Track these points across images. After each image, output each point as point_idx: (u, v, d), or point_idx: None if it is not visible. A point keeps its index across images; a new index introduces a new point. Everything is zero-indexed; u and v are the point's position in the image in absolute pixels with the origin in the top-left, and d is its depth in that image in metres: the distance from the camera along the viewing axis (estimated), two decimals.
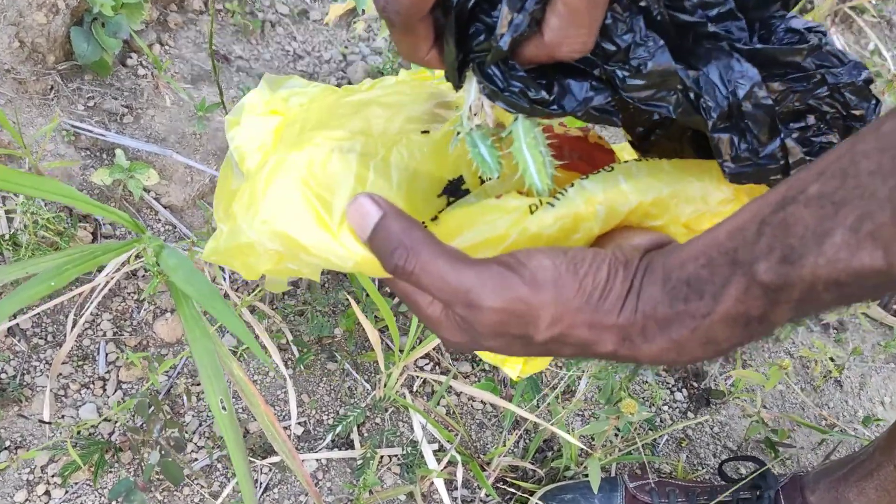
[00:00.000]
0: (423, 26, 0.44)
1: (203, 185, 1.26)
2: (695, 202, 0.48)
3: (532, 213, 0.47)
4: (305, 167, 0.49)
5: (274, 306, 1.21)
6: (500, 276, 0.43)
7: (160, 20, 1.38)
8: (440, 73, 0.63)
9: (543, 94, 0.43)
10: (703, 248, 0.40)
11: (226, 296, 1.20)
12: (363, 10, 1.14)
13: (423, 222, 0.51)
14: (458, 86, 0.46)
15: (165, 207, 1.24)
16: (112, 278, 1.13)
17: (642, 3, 0.43)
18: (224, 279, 1.21)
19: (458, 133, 0.48)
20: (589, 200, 0.47)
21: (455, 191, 0.54)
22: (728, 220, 0.40)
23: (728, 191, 0.49)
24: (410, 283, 0.45)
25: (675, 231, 0.49)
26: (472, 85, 0.46)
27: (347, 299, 1.22)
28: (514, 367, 0.57)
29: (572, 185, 0.48)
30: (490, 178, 0.50)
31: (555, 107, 0.43)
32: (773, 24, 0.46)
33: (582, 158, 0.57)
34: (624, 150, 0.59)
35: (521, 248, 0.45)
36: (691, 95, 0.44)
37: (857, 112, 0.47)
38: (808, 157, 0.47)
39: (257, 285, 1.22)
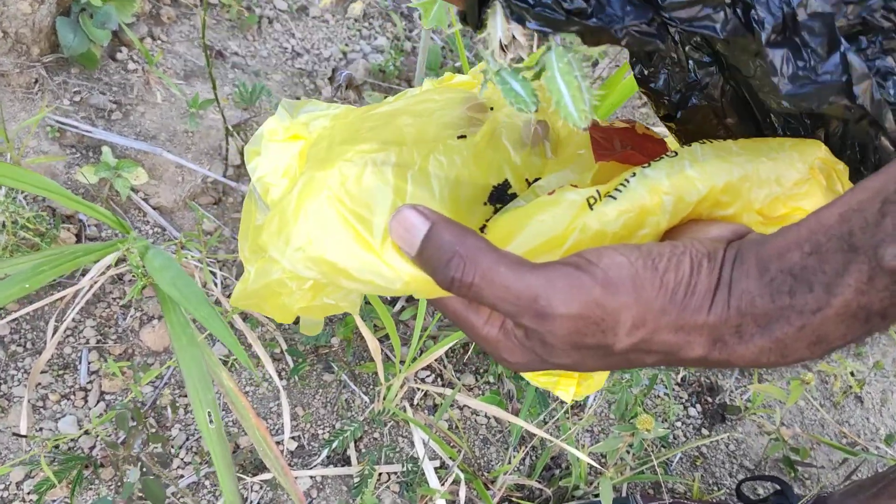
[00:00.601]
0: None
1: (195, 186, 1.20)
2: (768, 184, 0.44)
3: (591, 207, 0.43)
4: (338, 184, 0.46)
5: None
6: (570, 278, 0.38)
7: (152, 13, 1.33)
8: (466, 79, 0.58)
9: (580, 3, 0.38)
10: (807, 234, 0.36)
11: (217, 302, 1.13)
12: None
13: None
14: (477, 24, 0.42)
15: (154, 208, 1.18)
16: (96, 282, 1.07)
17: None
18: (215, 284, 1.14)
19: (486, 78, 0.44)
20: (653, 190, 0.43)
21: (502, 196, 0.50)
22: (838, 200, 0.35)
23: (803, 169, 0.45)
24: (470, 296, 0.40)
25: (748, 220, 0.44)
26: (497, 16, 0.41)
27: None
28: (568, 389, 0.52)
29: (633, 174, 0.44)
30: (529, 112, 0.44)
31: (594, 20, 0.39)
32: None
33: (635, 149, 0.52)
34: (674, 143, 0.54)
35: (589, 248, 0.40)
36: (739, 11, 0.40)
37: None
38: (873, 77, 0.42)
39: None
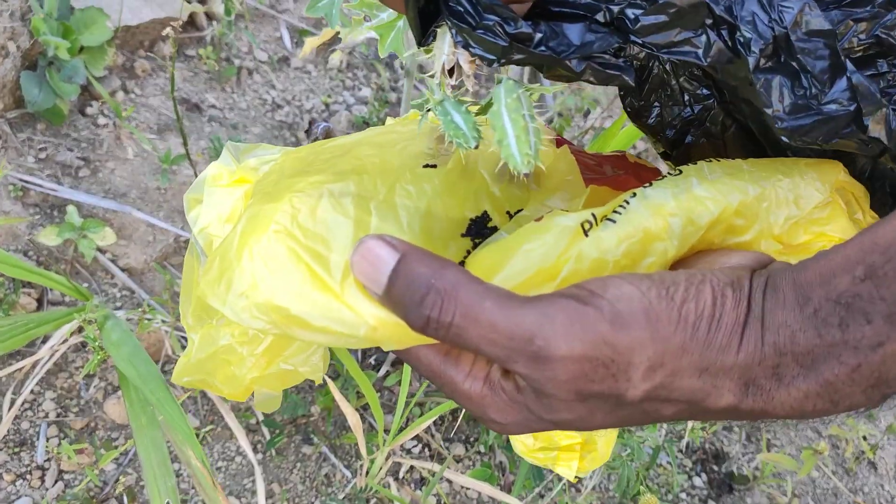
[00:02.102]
0: None
1: (166, 246, 1.14)
2: (787, 205, 0.38)
3: (587, 233, 0.36)
4: (289, 218, 0.39)
5: None
6: (571, 312, 0.32)
7: (126, 66, 1.28)
8: (432, 115, 0.53)
9: (525, 28, 0.33)
10: (858, 255, 0.30)
11: None
12: (336, 27, 1.03)
13: None
14: (421, 40, 0.37)
15: (123, 270, 1.11)
16: (57, 350, 1.00)
17: None
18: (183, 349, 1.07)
19: (426, 108, 0.39)
20: (658, 212, 0.36)
21: (481, 230, 0.44)
22: (893, 215, 0.30)
23: (824, 190, 0.39)
24: (449, 339, 0.33)
25: (767, 248, 0.38)
26: (444, 38, 0.36)
27: (328, 370, 1.09)
28: (570, 465, 0.44)
29: (633, 194, 0.37)
30: (469, 149, 0.40)
31: (542, 48, 0.34)
32: None
33: (629, 174, 0.47)
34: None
35: (588, 279, 0.34)
36: (724, 32, 0.35)
37: None
38: (889, 106, 0.36)
39: None
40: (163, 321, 1.04)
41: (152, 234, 1.14)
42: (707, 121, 0.45)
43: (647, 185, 0.39)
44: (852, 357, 0.30)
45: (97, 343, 0.75)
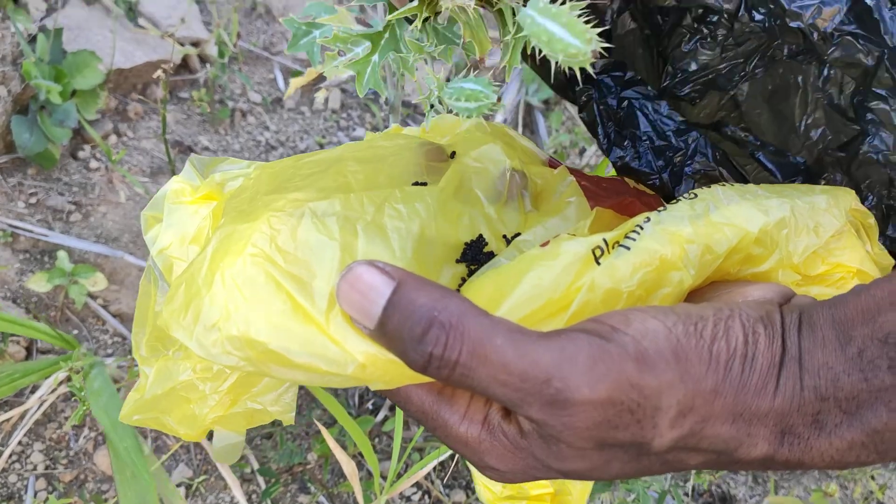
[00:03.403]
0: None
1: None
2: (807, 233, 0.36)
3: (598, 261, 0.33)
4: (266, 240, 0.35)
5: None
6: (593, 350, 0.29)
7: (119, 109, 1.27)
8: (418, 130, 0.51)
9: None
10: None
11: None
12: (318, 64, 1.02)
13: None
14: None
15: (114, 316, 1.09)
16: (45, 401, 0.97)
17: None
18: None
19: (431, 103, 0.36)
20: (674, 239, 0.34)
21: (476, 255, 0.40)
22: None
23: (840, 216, 0.37)
24: (453, 380, 0.29)
25: (786, 279, 0.36)
26: None
27: (322, 418, 1.06)
28: None
29: (647, 218, 0.35)
30: (492, 104, 0.37)
31: None
32: None
33: (635, 196, 0.44)
34: None
35: (607, 312, 0.31)
36: None
37: None
38: None
39: None
40: None
41: None
42: (697, 152, 0.45)
43: (662, 208, 0.36)
44: None
45: (83, 393, 0.73)
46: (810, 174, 0.44)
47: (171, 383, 0.40)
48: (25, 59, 1.05)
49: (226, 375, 0.42)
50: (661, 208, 0.36)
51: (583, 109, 0.49)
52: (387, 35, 0.39)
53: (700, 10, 0.42)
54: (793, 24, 0.39)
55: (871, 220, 0.40)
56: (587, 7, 0.35)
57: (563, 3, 0.32)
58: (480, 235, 0.41)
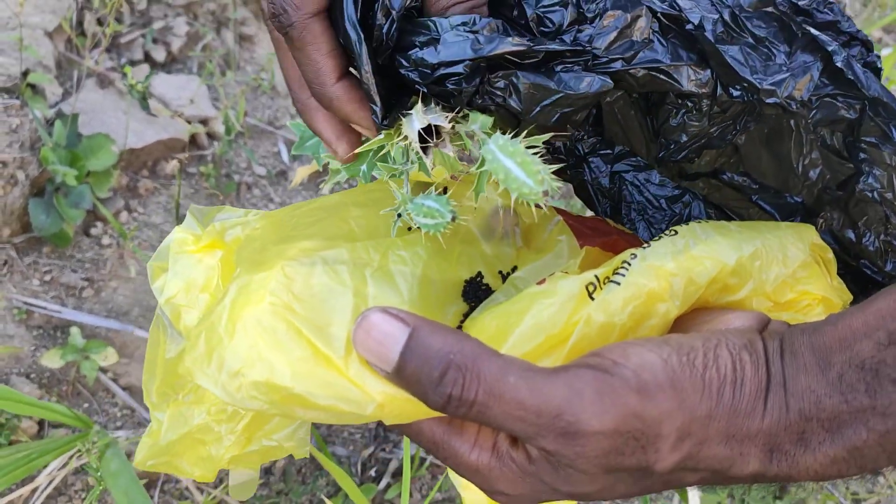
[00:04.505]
0: (321, 28, 0.35)
1: None
2: (777, 264, 0.40)
3: (592, 296, 0.37)
4: (283, 288, 0.38)
5: (243, 500, 1.07)
6: (598, 385, 0.32)
7: (129, 186, 1.32)
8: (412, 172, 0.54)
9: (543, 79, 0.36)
10: (876, 321, 0.31)
11: (187, 489, 1.06)
12: (321, 166, 1.07)
13: None
14: (382, 125, 0.38)
15: (124, 389, 1.12)
16: (56, 476, 1.00)
17: None
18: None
19: (399, 212, 0.39)
20: (659, 273, 0.37)
21: (476, 292, 0.44)
22: None
23: (804, 249, 0.41)
24: (471, 417, 0.32)
25: (759, 305, 0.40)
26: (412, 118, 0.37)
27: (327, 486, 1.08)
28: None
29: (633, 255, 0.38)
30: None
31: (558, 93, 0.36)
32: None
33: (618, 235, 0.48)
34: None
35: (605, 346, 0.34)
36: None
37: None
38: None
39: (224, 477, 1.08)
40: None
41: None
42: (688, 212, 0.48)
43: (646, 245, 0.40)
44: (881, 423, 0.30)
45: (98, 474, 0.76)
46: (808, 213, 0.46)
47: (185, 427, 0.42)
48: (43, 144, 1.11)
49: (241, 416, 0.44)
50: (646, 245, 0.40)
51: (577, 189, 0.52)
52: (372, 151, 0.43)
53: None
54: (770, 101, 0.41)
55: (830, 255, 0.44)
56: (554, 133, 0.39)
57: (527, 135, 0.36)
58: (479, 272, 0.44)
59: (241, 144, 1.47)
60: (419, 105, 0.38)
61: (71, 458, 0.99)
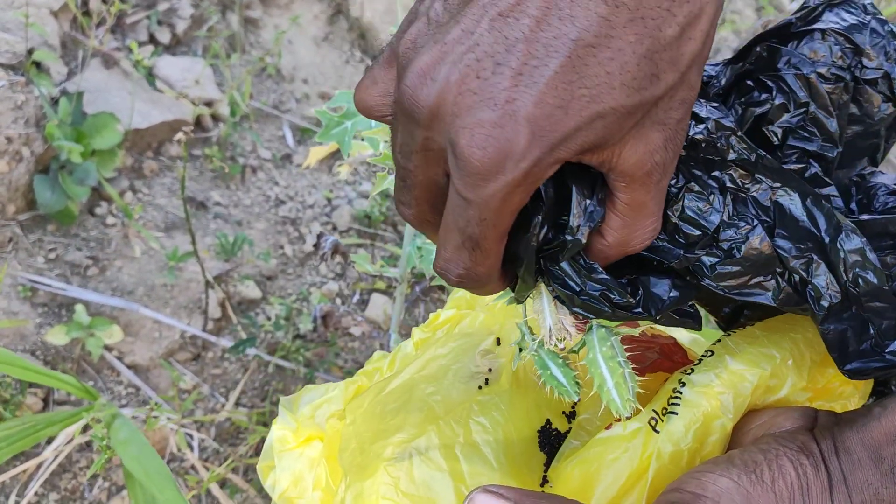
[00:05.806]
0: (499, 247, 0.35)
1: (172, 342, 1.15)
2: (806, 358, 0.43)
3: (656, 430, 0.41)
4: (392, 489, 0.43)
5: (248, 478, 1.06)
6: None
7: (134, 167, 1.32)
8: (451, 313, 0.55)
9: (628, 297, 0.37)
10: None
11: (192, 468, 1.05)
12: (348, 154, 1.07)
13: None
14: (521, 300, 0.40)
15: (129, 367, 1.12)
16: (61, 451, 0.99)
17: (726, 182, 0.38)
18: (192, 447, 1.07)
19: (522, 352, 0.42)
20: (709, 394, 0.41)
21: (549, 439, 0.48)
22: None
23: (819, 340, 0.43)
24: None
25: (800, 399, 0.43)
26: (541, 297, 0.39)
27: None
28: None
29: (682, 383, 0.42)
30: (572, 403, 0.45)
31: (639, 310, 0.38)
32: (869, 188, 0.41)
33: (661, 356, 0.51)
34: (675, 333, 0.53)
35: (680, 479, 0.37)
36: (796, 279, 0.38)
37: None
38: None
39: (229, 454, 1.08)
40: (168, 418, 1.04)
41: (158, 330, 1.15)
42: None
43: (689, 370, 0.43)
44: None
45: (105, 443, 0.75)
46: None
47: None
48: (48, 121, 1.10)
49: None
50: (689, 370, 0.43)
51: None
52: None
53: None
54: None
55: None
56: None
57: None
58: (548, 420, 0.49)
59: (245, 127, 1.46)
60: (551, 301, 0.40)
61: (77, 434, 0.99)
